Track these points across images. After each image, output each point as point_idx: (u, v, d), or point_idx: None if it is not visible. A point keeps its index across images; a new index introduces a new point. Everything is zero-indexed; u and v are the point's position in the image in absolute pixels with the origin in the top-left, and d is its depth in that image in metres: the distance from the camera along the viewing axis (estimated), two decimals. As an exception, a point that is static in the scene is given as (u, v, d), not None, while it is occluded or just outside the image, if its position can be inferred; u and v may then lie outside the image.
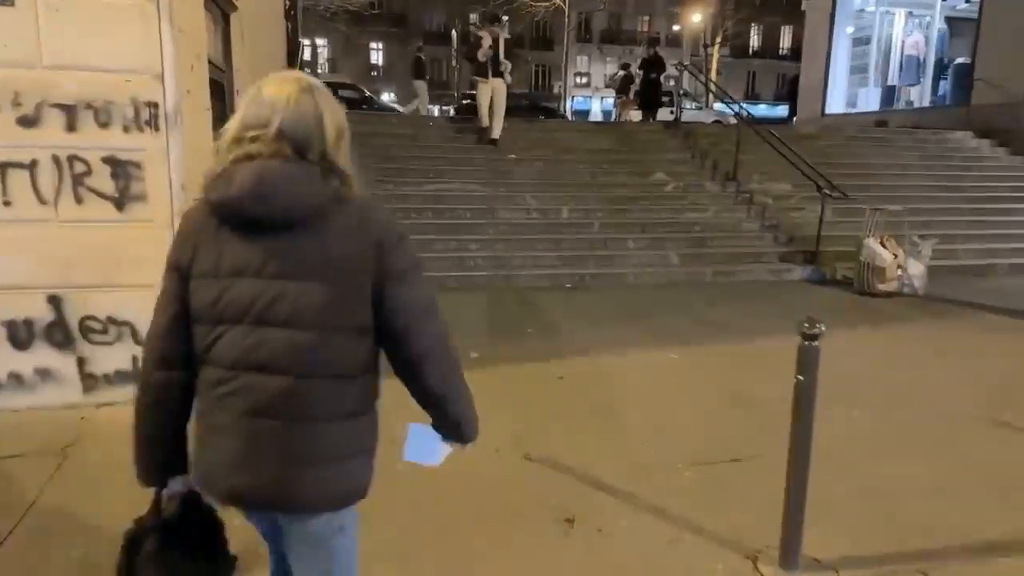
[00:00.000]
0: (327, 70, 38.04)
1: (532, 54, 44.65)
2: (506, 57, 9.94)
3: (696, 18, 38.67)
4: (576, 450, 3.46)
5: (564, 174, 9.50)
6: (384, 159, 9.20)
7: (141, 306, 3.68)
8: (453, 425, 1.54)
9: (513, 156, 9.75)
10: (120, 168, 3.70)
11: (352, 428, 1.43)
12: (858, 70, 18.01)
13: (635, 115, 15.79)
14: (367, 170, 8.92)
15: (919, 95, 16.42)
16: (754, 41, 47.61)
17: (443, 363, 1.47)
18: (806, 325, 2.49)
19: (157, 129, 3.71)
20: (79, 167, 3.66)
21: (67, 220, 3.70)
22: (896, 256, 7.24)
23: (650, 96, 13.76)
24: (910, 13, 17.62)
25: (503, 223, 8.32)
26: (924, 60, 15.97)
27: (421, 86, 15.79)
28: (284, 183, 1.34)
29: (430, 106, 19.05)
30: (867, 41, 17.87)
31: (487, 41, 9.58)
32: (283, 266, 1.35)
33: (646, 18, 47.33)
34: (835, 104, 17.37)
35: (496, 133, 9.87)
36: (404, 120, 10.69)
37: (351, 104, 13.76)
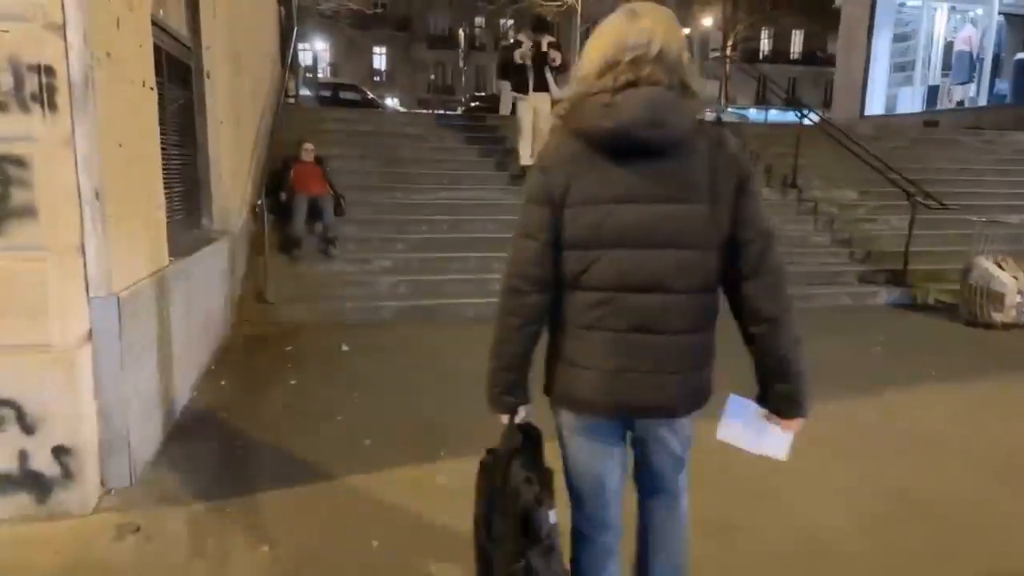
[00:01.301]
0: (328, 74, 37.11)
1: None
2: (552, 69, 7.71)
3: (707, 22, 37.89)
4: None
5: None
6: (391, 162, 7.93)
7: (29, 378, 2.42)
8: (783, 373, 1.54)
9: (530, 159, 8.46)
10: (-7, 168, 2.42)
11: (709, 338, 1.56)
12: (898, 68, 16.76)
13: None
14: (370, 175, 7.64)
15: (968, 93, 15.13)
16: (764, 46, 46.56)
17: (778, 274, 1.52)
18: None
19: (53, 108, 2.44)
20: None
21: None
22: (1017, 279, 5.93)
23: None
24: (953, 8, 16.39)
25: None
26: (977, 56, 14.68)
27: (506, 86, 15.07)
28: (671, 109, 1.41)
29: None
30: (907, 37, 16.62)
31: (527, 44, 7.67)
32: (666, 189, 1.45)
33: (655, 22, 46.40)
34: (875, 105, 16.10)
35: (529, 159, 7.70)
36: (413, 118, 9.43)
37: (354, 107, 12.66)
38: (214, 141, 4.89)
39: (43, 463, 2.56)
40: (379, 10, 39.10)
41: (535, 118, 7.59)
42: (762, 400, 1.60)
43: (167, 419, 3.34)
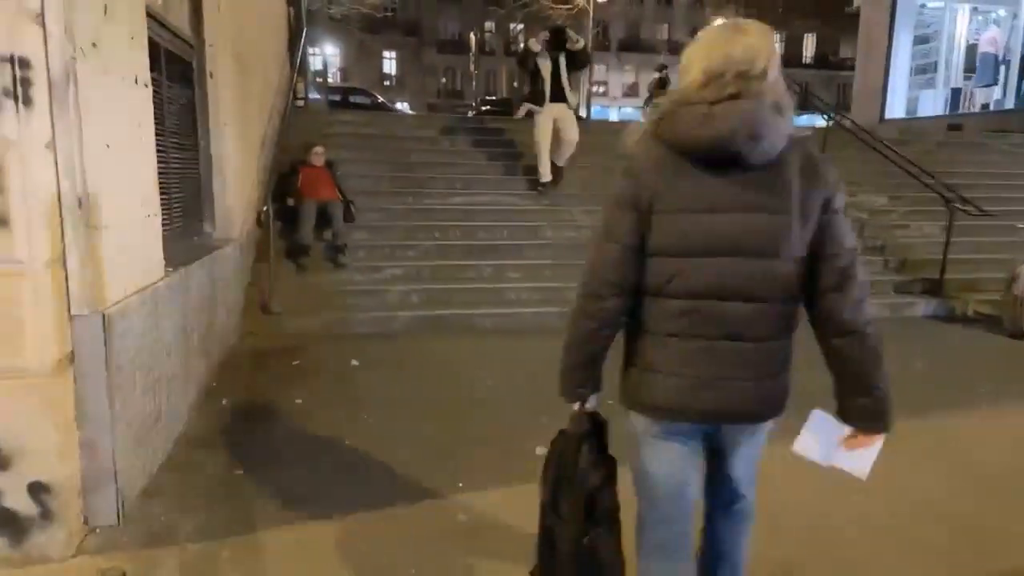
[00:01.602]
0: (338, 78, 37.08)
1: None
2: (571, 75, 7.26)
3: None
4: None
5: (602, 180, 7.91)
6: (401, 166, 7.66)
7: (2, 407, 2.15)
8: (864, 387, 1.55)
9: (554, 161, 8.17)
10: (-36, 171, 2.16)
11: (789, 345, 1.59)
12: (919, 70, 16.37)
13: None
14: (381, 180, 7.38)
15: (992, 96, 14.72)
16: (806, 50, 46.21)
17: (861, 288, 1.52)
18: None
19: (29, 105, 2.17)
20: None
21: None
22: (1067, 290, 5.59)
23: None
24: (975, 9, 16.01)
25: (549, 244, 6.73)
26: (1003, 59, 14.28)
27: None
28: (768, 124, 1.43)
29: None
30: (928, 39, 16.24)
31: (540, 40, 7.13)
32: (759, 200, 1.46)
33: (665, 26, 46.17)
34: (895, 108, 15.71)
35: (561, 160, 7.38)
36: (423, 120, 9.16)
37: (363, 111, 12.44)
38: (217, 144, 4.64)
39: (18, 502, 2.29)
40: (389, 14, 39.08)
41: (558, 127, 7.18)
42: (842, 415, 1.61)
43: (160, 447, 3.06)
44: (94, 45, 2.42)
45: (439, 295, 5.82)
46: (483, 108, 21.80)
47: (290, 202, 6.24)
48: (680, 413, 1.57)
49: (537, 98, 7.19)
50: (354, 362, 4.54)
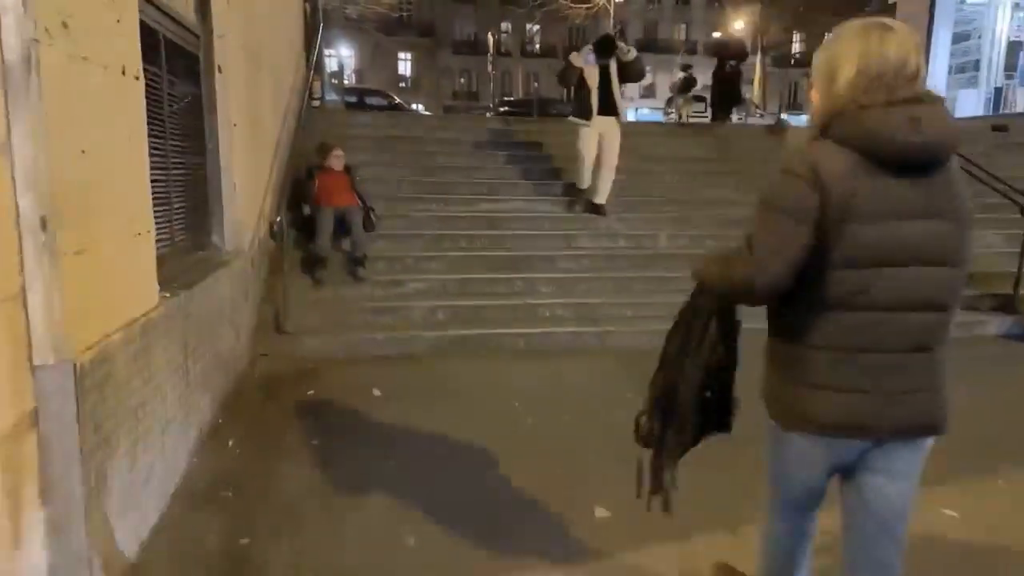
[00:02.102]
0: (354, 80, 36.92)
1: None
2: (623, 83, 6.66)
3: (738, 25, 37.07)
4: None
5: (653, 187, 7.38)
6: (424, 170, 7.18)
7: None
8: None
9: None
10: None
11: (947, 354, 1.54)
12: (959, 69, 15.70)
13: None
14: (402, 184, 6.90)
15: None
16: (795, 50, 45.38)
17: None
18: None
19: (-23, 99, 1.70)
20: None
21: None
22: None
23: (725, 91, 10.68)
24: (1017, 5, 15.31)
25: (584, 254, 6.21)
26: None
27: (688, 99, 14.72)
28: (951, 127, 1.43)
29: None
30: (968, 36, 15.57)
31: (584, 52, 6.47)
32: (938, 206, 1.43)
33: (683, 26, 45.66)
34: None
35: (602, 196, 6.69)
36: (446, 121, 8.69)
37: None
38: (226, 146, 4.17)
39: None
40: (405, 14, 38.86)
41: (601, 147, 6.52)
42: None
43: (153, 507, 2.58)
44: (64, 25, 1.94)
45: (466, 312, 5.32)
46: (501, 109, 21.35)
47: (306, 210, 5.78)
48: (861, 430, 1.51)
49: (584, 111, 6.49)
50: (376, 392, 4.05)
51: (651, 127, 11.65)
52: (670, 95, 23.67)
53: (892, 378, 1.46)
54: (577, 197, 6.87)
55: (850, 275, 1.42)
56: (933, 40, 15.12)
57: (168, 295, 2.88)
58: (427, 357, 4.81)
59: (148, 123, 3.00)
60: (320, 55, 8.37)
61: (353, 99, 18.86)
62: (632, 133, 9.20)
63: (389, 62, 39.72)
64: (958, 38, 15.55)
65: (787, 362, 1.55)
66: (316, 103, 8.55)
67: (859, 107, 1.40)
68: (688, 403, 1.71)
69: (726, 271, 1.59)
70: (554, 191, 7.13)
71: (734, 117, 14.30)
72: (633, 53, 6.54)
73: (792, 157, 1.46)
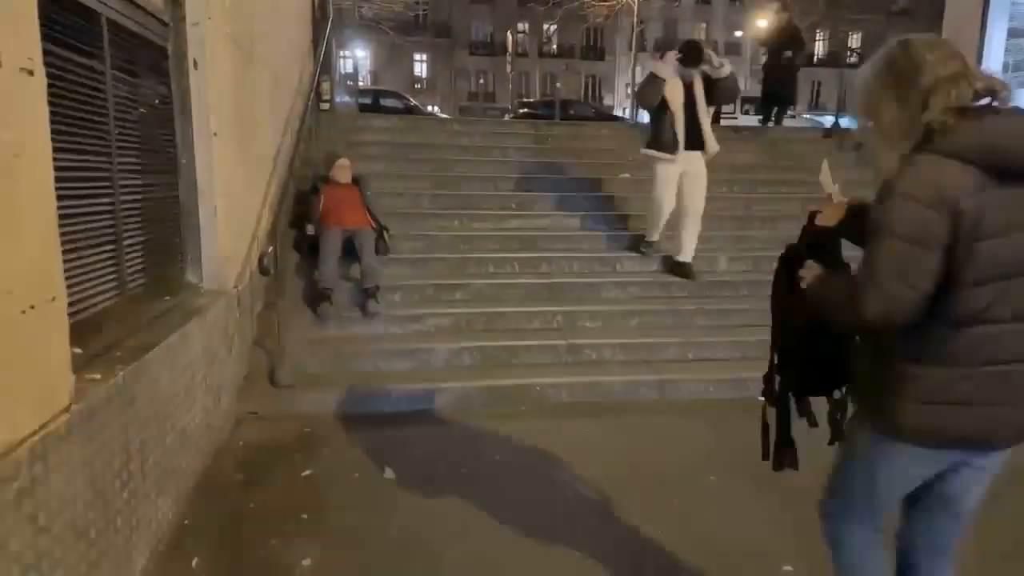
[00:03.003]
0: (368, 82, 36.47)
1: (583, 64, 42.77)
2: (712, 105, 5.12)
3: (762, 24, 36.07)
4: None
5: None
6: (445, 182, 6.35)
7: None
8: None
9: (627, 175, 6.79)
10: None
11: None
12: (1014, 67, 14.60)
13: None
14: (420, 199, 6.07)
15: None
16: (819, 49, 44.18)
17: None
18: None
19: None
20: None
21: None
22: None
23: (779, 88, 8.70)
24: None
25: (632, 280, 5.33)
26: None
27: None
28: None
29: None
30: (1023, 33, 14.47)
31: (669, 61, 4.97)
32: None
33: (703, 25, 44.75)
34: (989, 109, 13.96)
35: (687, 252, 5.27)
36: (469, 126, 7.84)
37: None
38: (205, 160, 3.35)
39: None
40: (423, 11, 38.35)
41: (683, 189, 5.10)
42: None
43: None
44: None
45: (497, 355, 4.45)
46: (520, 111, 20.49)
47: (310, 230, 4.96)
48: (989, 441, 1.53)
49: (664, 141, 5.03)
50: (388, 472, 3.19)
51: None
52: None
53: (1013, 389, 1.46)
54: (649, 252, 5.46)
55: (979, 292, 1.40)
56: (987, 36, 14.05)
57: (99, 377, 2.05)
58: (452, 415, 3.95)
59: (82, 133, 2.20)
60: (329, 50, 7.55)
61: (367, 101, 18.17)
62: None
63: (404, 63, 39.25)
64: (1014, 34, 14.45)
65: (906, 378, 1.50)
66: (325, 106, 7.74)
67: (958, 113, 1.39)
68: (803, 354, 1.73)
69: (842, 299, 1.51)
70: (592, 205, 6.26)
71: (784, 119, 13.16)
72: (727, 68, 4.99)
73: (907, 178, 1.40)
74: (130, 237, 2.72)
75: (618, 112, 35.93)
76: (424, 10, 39.43)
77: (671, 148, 5.02)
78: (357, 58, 35.99)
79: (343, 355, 4.27)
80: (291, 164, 5.25)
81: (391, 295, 4.81)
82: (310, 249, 4.91)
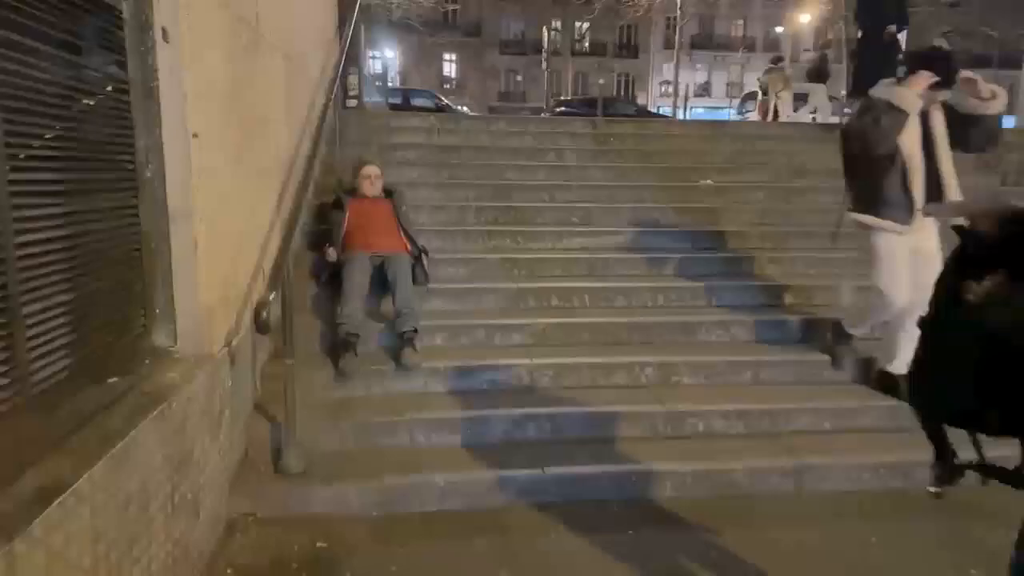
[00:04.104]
0: (398, 82, 35.96)
1: (617, 63, 41.74)
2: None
3: (804, 18, 34.52)
4: None
5: (806, 215, 5.34)
6: (493, 192, 5.32)
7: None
8: None
9: (710, 182, 5.68)
10: None
11: None
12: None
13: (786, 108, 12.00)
14: (465, 212, 5.05)
15: None
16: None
17: None
18: None
19: None
20: None
21: None
22: None
23: (875, 71, 6.41)
24: None
25: (736, 319, 4.21)
26: None
27: (819, 90, 11.88)
28: None
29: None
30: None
31: (918, 85, 3.28)
32: None
33: (740, 22, 43.31)
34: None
35: (902, 362, 3.50)
36: (519, 124, 6.79)
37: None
38: (180, 171, 2.35)
39: None
40: (452, 7, 37.71)
41: (917, 271, 3.35)
42: None
43: None
44: None
45: (571, 425, 3.38)
46: (557, 110, 19.41)
47: (331, 255, 3.96)
48: None
49: (892, 204, 3.42)
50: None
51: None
52: (751, 90, 21.36)
53: None
54: (841, 351, 3.83)
55: None
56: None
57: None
58: (514, 519, 2.88)
59: None
60: (357, 38, 6.56)
61: (398, 100, 17.44)
62: (756, 134, 7.19)
63: (433, 63, 38.72)
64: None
65: None
66: (352, 102, 6.77)
67: None
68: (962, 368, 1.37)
69: None
70: (671, 218, 5.16)
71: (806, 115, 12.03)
72: (1000, 98, 3.25)
73: None
74: (58, 293, 1.73)
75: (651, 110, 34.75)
76: (454, 8, 38.73)
77: (904, 215, 3.40)
78: (386, 58, 35.46)
79: (371, 427, 3.23)
80: (308, 171, 4.24)
81: (431, 338, 3.77)
82: (331, 279, 3.92)
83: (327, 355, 3.61)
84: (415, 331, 3.62)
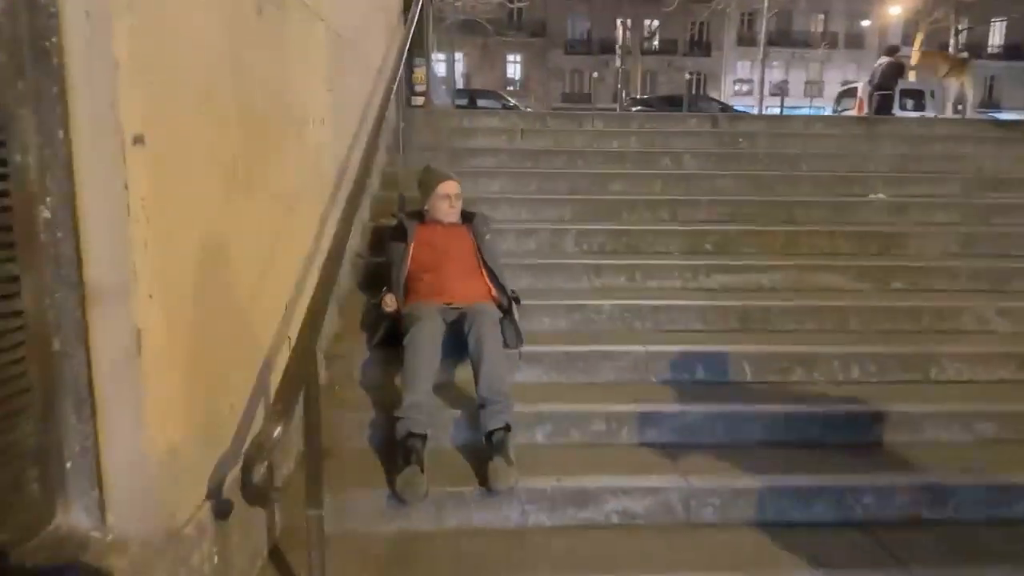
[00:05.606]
0: (462, 84, 35.70)
1: (688, 61, 40.36)
2: None
3: (894, 11, 32.07)
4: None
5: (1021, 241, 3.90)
6: (595, 209, 4.10)
7: None
8: None
9: (882, 196, 4.29)
10: None
11: None
12: None
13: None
14: (561, 237, 3.84)
15: None
16: (993, 39, 39.11)
17: None
18: None
19: None
20: None
21: None
22: None
23: None
24: None
25: (969, 377, 2.84)
26: None
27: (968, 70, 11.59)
28: None
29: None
30: None
31: None
32: None
33: (821, 16, 41.17)
34: None
35: None
36: (620, 121, 5.54)
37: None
38: (104, 214, 1.24)
39: None
40: (518, 5, 37.26)
41: None
42: None
43: None
44: None
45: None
46: (634, 109, 18.22)
47: (388, 305, 2.82)
48: None
49: None
50: None
51: (953, 128, 7.65)
52: (850, 85, 19.45)
53: None
54: None
55: None
56: None
57: None
58: None
59: None
60: (423, 25, 5.47)
61: (463, 101, 16.82)
62: (917, 137, 5.71)
63: (497, 64, 38.55)
64: None
65: None
66: (419, 100, 5.69)
67: None
68: None
69: None
70: (841, 247, 3.82)
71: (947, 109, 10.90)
72: None
73: None
74: None
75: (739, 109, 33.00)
76: (520, 6, 38.27)
77: None
78: (451, 59, 35.26)
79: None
80: (361, 182, 3.08)
81: (529, 432, 2.58)
82: (386, 339, 2.78)
83: (378, 456, 2.46)
84: (508, 429, 2.43)
